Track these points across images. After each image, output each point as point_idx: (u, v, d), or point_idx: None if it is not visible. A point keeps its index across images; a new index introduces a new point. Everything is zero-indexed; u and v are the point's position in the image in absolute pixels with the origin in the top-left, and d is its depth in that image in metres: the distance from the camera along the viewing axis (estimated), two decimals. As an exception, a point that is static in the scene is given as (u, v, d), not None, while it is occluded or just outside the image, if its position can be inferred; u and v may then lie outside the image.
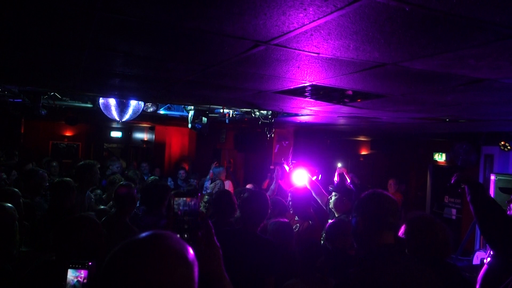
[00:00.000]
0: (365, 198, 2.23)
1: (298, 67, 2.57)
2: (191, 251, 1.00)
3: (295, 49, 2.14)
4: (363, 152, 12.23)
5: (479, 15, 1.50)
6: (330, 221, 3.72)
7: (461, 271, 2.64)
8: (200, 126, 5.42)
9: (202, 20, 1.79)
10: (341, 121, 6.56)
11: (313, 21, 1.68)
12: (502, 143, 7.56)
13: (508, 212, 2.97)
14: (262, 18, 1.69)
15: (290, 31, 1.85)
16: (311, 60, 2.38)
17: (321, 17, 1.63)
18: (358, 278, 1.95)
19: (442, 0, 1.38)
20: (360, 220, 2.20)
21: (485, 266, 3.00)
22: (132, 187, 3.74)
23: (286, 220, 3.77)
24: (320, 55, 2.25)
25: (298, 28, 1.80)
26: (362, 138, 11.81)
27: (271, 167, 8.14)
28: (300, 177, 4.74)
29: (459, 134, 8.21)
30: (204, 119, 5.67)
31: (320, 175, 8.52)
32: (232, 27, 1.87)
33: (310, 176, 4.79)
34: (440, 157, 9.80)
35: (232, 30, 1.91)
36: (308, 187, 4.52)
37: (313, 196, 4.44)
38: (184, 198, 1.26)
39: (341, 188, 4.00)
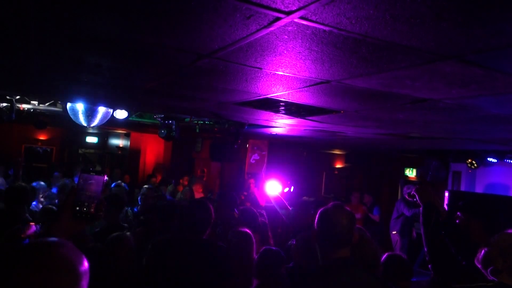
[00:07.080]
0: (318, 217, 2.32)
1: (246, 81, 2.62)
2: (85, 263, 1.02)
3: (237, 63, 2.19)
4: (338, 165, 12.35)
5: (395, 40, 1.56)
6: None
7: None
8: (165, 134, 5.42)
9: (140, 32, 1.82)
10: (312, 134, 6.63)
11: (244, 37, 1.73)
12: (469, 160, 7.76)
13: None
14: (193, 32, 1.73)
15: (227, 46, 1.90)
16: (257, 74, 2.42)
17: (250, 34, 1.68)
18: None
19: (356, 24, 1.44)
20: (315, 238, 2.33)
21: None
22: None
23: (248, 230, 3.78)
24: (264, 70, 2.30)
25: (233, 43, 1.84)
26: (337, 152, 11.93)
27: (244, 193, 7.84)
28: (272, 188, 4.80)
29: (430, 151, 8.40)
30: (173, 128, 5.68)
31: (292, 187, 8.55)
32: (170, 40, 1.90)
33: (278, 189, 4.84)
34: (411, 173, 9.97)
35: (172, 43, 1.95)
36: (272, 201, 4.58)
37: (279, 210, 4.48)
38: (90, 175, 1.35)
39: (295, 202, 4.06)
